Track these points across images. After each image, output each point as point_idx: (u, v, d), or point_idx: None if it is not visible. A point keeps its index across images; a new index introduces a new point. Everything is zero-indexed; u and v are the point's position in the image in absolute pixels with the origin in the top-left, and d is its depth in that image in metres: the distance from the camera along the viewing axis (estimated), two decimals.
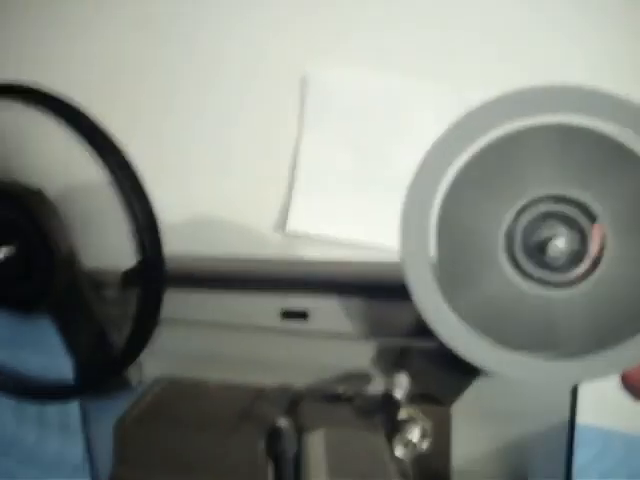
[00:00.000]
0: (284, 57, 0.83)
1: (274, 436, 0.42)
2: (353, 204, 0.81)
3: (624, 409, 0.54)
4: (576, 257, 0.36)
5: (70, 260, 0.47)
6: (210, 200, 0.88)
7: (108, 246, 0.49)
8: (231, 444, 0.43)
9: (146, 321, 0.45)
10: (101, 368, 0.48)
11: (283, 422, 0.41)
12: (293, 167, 0.86)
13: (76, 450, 0.80)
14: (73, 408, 0.74)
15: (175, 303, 0.48)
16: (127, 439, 0.46)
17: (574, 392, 0.44)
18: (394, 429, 0.42)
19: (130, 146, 0.82)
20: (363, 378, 0.46)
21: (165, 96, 0.87)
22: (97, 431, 0.53)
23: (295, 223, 0.87)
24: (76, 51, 0.88)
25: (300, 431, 0.42)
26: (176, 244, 0.84)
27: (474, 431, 0.45)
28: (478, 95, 0.35)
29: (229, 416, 0.45)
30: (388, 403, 0.40)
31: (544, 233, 0.36)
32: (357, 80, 0.82)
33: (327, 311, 0.47)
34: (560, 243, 0.35)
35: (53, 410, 0.83)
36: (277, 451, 0.42)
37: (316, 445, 0.42)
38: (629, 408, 0.44)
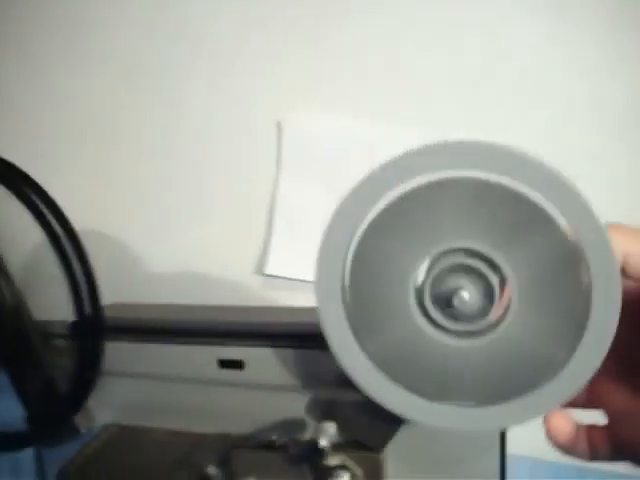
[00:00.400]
0: (260, 104, 0.85)
1: None
2: None
3: None
4: (483, 311, 0.37)
5: (18, 312, 0.49)
6: (190, 245, 0.90)
7: (56, 299, 0.51)
8: None
9: (88, 371, 0.47)
10: (49, 416, 0.50)
11: (213, 470, 0.42)
12: (271, 210, 0.87)
13: None
14: (26, 454, 0.76)
15: (119, 354, 0.50)
16: None
17: (502, 437, 0.44)
18: (322, 476, 0.43)
19: (107, 195, 0.85)
20: (296, 426, 0.47)
21: (143, 144, 0.89)
22: (52, 476, 0.54)
23: (274, 266, 0.89)
24: (51, 107, 0.90)
25: (232, 479, 0.43)
26: (158, 289, 0.86)
27: (407, 478, 0.46)
28: (445, 136, 0.37)
29: (167, 463, 0.46)
30: (315, 451, 0.41)
31: (452, 284, 0.37)
32: (331, 125, 0.84)
33: (262, 360, 0.48)
34: (466, 295, 0.36)
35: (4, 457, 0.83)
36: None
37: None
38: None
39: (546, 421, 0.40)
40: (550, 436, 0.41)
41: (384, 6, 0.78)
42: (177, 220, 0.89)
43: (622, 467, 0.68)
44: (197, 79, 0.86)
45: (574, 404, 0.40)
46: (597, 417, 0.41)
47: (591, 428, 0.41)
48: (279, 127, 0.85)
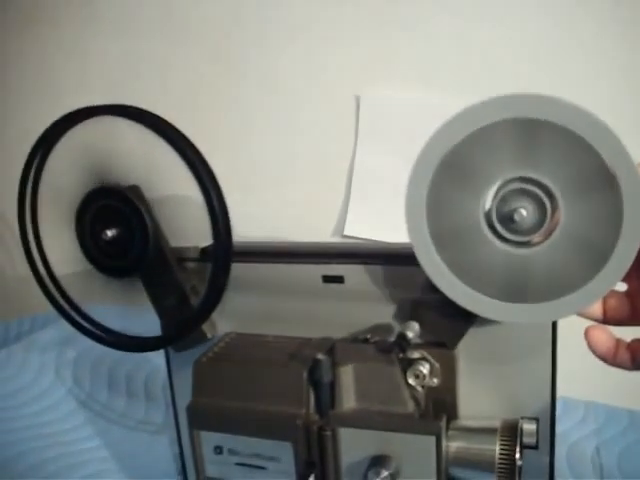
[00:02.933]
0: (340, 78, 0.93)
1: (314, 367, 0.54)
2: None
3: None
4: (538, 225, 0.47)
5: (160, 239, 0.60)
6: (274, 209, 0.99)
7: (190, 229, 0.62)
8: (282, 375, 0.55)
9: (216, 288, 0.57)
10: (182, 324, 0.61)
11: (321, 356, 0.53)
12: (349, 177, 0.95)
13: (159, 414, 0.93)
14: (158, 380, 0.88)
15: (241, 273, 0.60)
16: (202, 374, 0.59)
17: (554, 332, 0.54)
18: (407, 364, 0.54)
19: (217, 161, 0.95)
20: (387, 329, 0.57)
21: (235, 115, 0.98)
22: (179, 375, 0.66)
23: (352, 228, 0.97)
24: (159, 78, 1.01)
25: (335, 366, 0.54)
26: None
27: (476, 371, 0.56)
28: None
29: (281, 357, 0.57)
30: (402, 342, 0.52)
31: (513, 204, 0.47)
32: (405, 98, 0.92)
33: (360, 275, 0.58)
34: (524, 211, 0.47)
35: (139, 381, 0.96)
36: (317, 379, 0.54)
37: (347, 376, 0.54)
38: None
39: (587, 335, 0.49)
40: (591, 348, 0.49)
41: None
42: (262, 185, 0.99)
43: None
44: (283, 55, 0.94)
45: (620, 321, 0.49)
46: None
47: (633, 341, 0.49)
48: (357, 100, 0.92)
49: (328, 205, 0.97)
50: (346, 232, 0.96)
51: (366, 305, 0.57)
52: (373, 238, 0.93)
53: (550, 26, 0.82)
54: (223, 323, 0.63)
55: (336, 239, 0.97)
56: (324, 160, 0.96)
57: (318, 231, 0.98)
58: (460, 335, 0.53)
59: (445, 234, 0.48)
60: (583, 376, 0.82)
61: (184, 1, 0.98)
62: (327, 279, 0.59)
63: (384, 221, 0.88)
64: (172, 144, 0.52)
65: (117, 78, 1.03)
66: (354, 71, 0.91)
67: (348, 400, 0.54)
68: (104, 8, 1.02)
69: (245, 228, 0.97)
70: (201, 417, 0.57)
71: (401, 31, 0.88)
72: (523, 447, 0.55)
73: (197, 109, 0.99)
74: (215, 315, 0.61)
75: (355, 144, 0.94)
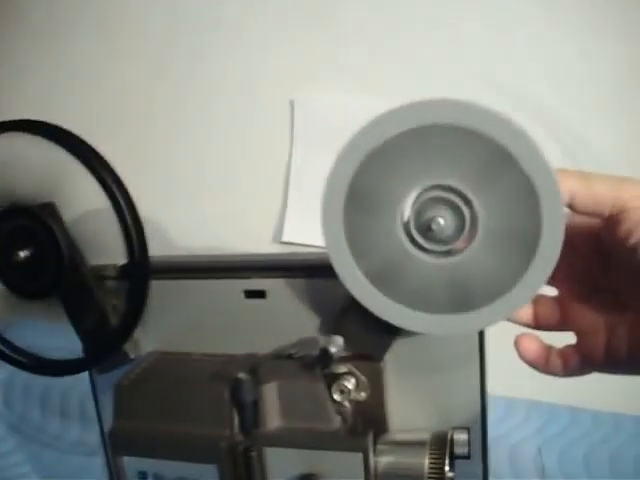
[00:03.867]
0: (274, 83, 0.91)
1: (236, 387, 0.52)
2: None
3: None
4: (456, 234, 0.46)
5: (76, 258, 0.58)
6: (213, 217, 0.97)
7: (109, 246, 0.60)
8: (204, 395, 0.54)
9: (135, 307, 0.55)
10: (103, 346, 0.59)
11: (243, 375, 0.52)
12: (286, 182, 0.94)
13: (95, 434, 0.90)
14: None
15: (162, 290, 0.59)
16: (123, 397, 0.56)
17: (481, 340, 0.53)
18: (332, 379, 0.53)
19: (142, 170, 0.92)
20: (310, 343, 0.56)
21: (171, 125, 0.96)
22: (105, 398, 0.64)
23: (290, 234, 0.96)
24: (80, 86, 0.98)
25: (258, 384, 0.53)
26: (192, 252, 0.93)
27: (404, 383, 0.55)
28: None
29: (204, 377, 0.55)
30: (325, 358, 0.51)
31: (431, 213, 0.46)
32: (339, 101, 0.90)
33: (282, 290, 0.57)
34: (442, 220, 0.45)
35: (75, 399, 0.93)
36: (239, 398, 0.52)
37: (270, 394, 0.53)
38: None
39: (516, 344, 0.49)
40: (521, 356, 0.49)
41: None
42: (200, 195, 0.96)
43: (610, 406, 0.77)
44: (215, 63, 0.92)
45: (550, 326, 0.49)
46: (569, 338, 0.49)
47: (564, 347, 0.49)
48: (292, 104, 0.91)
49: (266, 212, 0.95)
50: (285, 238, 0.95)
51: (290, 320, 0.56)
52: (313, 243, 0.92)
53: (484, 28, 0.82)
54: (147, 342, 0.61)
55: (275, 246, 0.95)
56: (261, 167, 0.94)
57: (258, 239, 0.96)
58: (386, 347, 0.52)
59: (364, 246, 0.47)
60: (526, 375, 0.82)
61: (110, 6, 0.95)
62: (249, 294, 0.57)
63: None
64: (75, 155, 0.50)
65: (43, 91, 1.00)
66: (287, 75, 0.90)
67: (273, 419, 0.52)
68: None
69: (184, 239, 0.96)
70: (123, 442, 0.55)
71: (334, 34, 0.87)
72: (455, 458, 0.54)
73: (128, 120, 0.97)
74: (138, 334, 0.59)
75: (291, 149, 0.92)
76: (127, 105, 0.96)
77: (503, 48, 0.82)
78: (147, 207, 0.90)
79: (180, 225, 0.96)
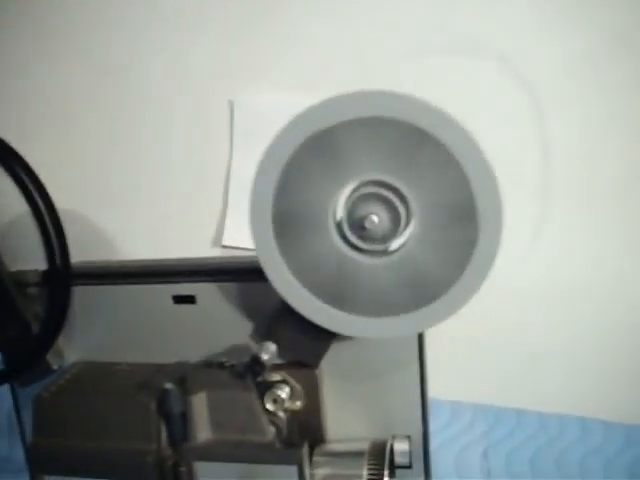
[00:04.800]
0: (212, 84, 0.88)
1: (163, 398, 0.49)
2: None
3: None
4: (391, 233, 0.44)
5: None
6: (151, 221, 0.93)
7: (30, 252, 0.56)
8: (129, 408, 0.50)
9: (55, 314, 0.53)
10: (24, 355, 0.55)
11: (169, 385, 0.49)
12: (226, 185, 0.91)
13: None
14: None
15: (86, 296, 0.56)
16: (43, 411, 0.53)
17: (420, 344, 0.51)
18: (265, 388, 0.50)
19: (86, 173, 0.88)
20: (242, 350, 0.53)
21: (107, 129, 0.93)
22: (28, 412, 0.60)
23: (230, 238, 0.93)
24: (9, 86, 0.94)
25: (186, 394, 0.50)
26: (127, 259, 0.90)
27: (342, 390, 0.53)
28: None
29: (129, 388, 0.52)
30: (256, 366, 0.48)
31: (365, 210, 0.44)
32: (280, 103, 0.87)
33: (211, 294, 0.54)
34: (375, 218, 0.43)
35: (3, 413, 0.88)
36: (166, 411, 0.49)
37: (200, 405, 0.50)
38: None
39: None
40: None
41: None
42: (138, 197, 0.92)
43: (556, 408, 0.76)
44: (152, 63, 0.88)
45: None
46: None
47: None
48: (231, 106, 0.88)
49: (206, 215, 0.92)
50: (225, 242, 0.92)
51: (220, 326, 0.54)
52: (252, 247, 0.89)
53: (428, 27, 0.80)
54: (71, 352, 0.58)
55: (216, 250, 0.92)
56: (199, 169, 0.91)
57: (197, 243, 0.92)
58: (322, 353, 0.50)
59: (295, 247, 0.44)
60: (471, 377, 0.81)
61: (43, 4, 0.92)
62: (178, 299, 0.55)
63: None
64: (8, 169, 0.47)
65: None
66: (226, 75, 0.87)
67: (203, 431, 0.49)
68: None
69: (120, 244, 0.92)
70: (43, 459, 0.52)
71: (274, 33, 0.84)
72: (396, 467, 0.51)
73: (59, 120, 0.93)
74: (62, 343, 0.57)
75: (231, 151, 0.89)
76: (57, 105, 0.92)
77: (448, 46, 0.80)
78: (79, 210, 0.87)
79: (115, 229, 0.92)
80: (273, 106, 0.88)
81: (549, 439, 0.81)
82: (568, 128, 0.74)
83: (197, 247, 0.91)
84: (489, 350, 0.81)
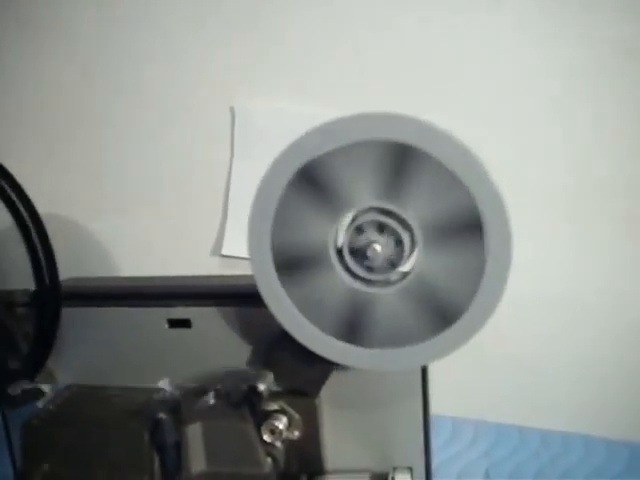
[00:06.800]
0: (214, 91, 0.87)
1: (156, 428, 0.47)
2: None
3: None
4: (395, 262, 0.42)
5: None
6: (149, 229, 0.92)
7: (17, 270, 0.55)
8: (121, 438, 0.49)
9: (45, 337, 0.51)
10: (13, 376, 0.53)
11: (163, 415, 0.47)
12: (226, 193, 0.89)
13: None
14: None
15: (79, 318, 0.54)
16: (33, 439, 0.51)
17: (424, 375, 0.49)
18: (262, 418, 0.48)
19: (67, 180, 0.87)
20: (239, 377, 0.51)
21: (102, 132, 0.91)
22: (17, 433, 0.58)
23: (230, 247, 0.92)
24: (19, 95, 0.92)
25: (180, 424, 0.48)
26: (117, 271, 0.89)
27: (341, 420, 0.51)
28: None
29: (122, 416, 0.50)
30: (253, 395, 0.46)
31: (367, 239, 0.42)
32: (281, 110, 0.87)
33: (208, 319, 0.52)
34: (378, 247, 0.41)
35: None
36: (159, 441, 0.47)
37: (194, 435, 0.48)
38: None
39: None
40: None
41: None
42: (136, 205, 0.91)
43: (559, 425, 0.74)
44: (152, 68, 0.87)
45: None
46: None
47: None
48: (232, 112, 0.87)
49: (205, 224, 0.91)
50: (224, 252, 0.91)
51: (216, 351, 0.52)
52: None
53: (434, 36, 0.79)
54: (62, 374, 0.56)
55: (215, 259, 0.91)
56: (199, 177, 0.90)
57: (196, 252, 0.91)
58: (321, 382, 0.48)
59: (296, 278, 0.43)
60: (472, 393, 0.80)
61: (40, 4, 0.90)
62: (173, 323, 0.53)
63: None
64: None
65: None
66: (227, 82, 0.86)
67: (197, 463, 0.48)
68: None
69: (116, 254, 0.91)
70: None
71: (275, 40, 0.84)
72: None
73: (54, 126, 0.91)
74: (53, 365, 0.55)
75: (231, 158, 0.88)
76: (54, 110, 0.90)
77: (452, 57, 0.78)
78: (73, 219, 0.85)
79: (112, 238, 0.91)
80: (274, 114, 0.87)
81: (552, 457, 0.79)
82: None
83: (195, 257, 0.90)
84: (490, 365, 0.79)
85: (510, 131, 0.76)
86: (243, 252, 0.87)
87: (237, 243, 0.91)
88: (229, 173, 0.88)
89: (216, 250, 0.91)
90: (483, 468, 0.81)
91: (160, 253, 0.91)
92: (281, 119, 0.87)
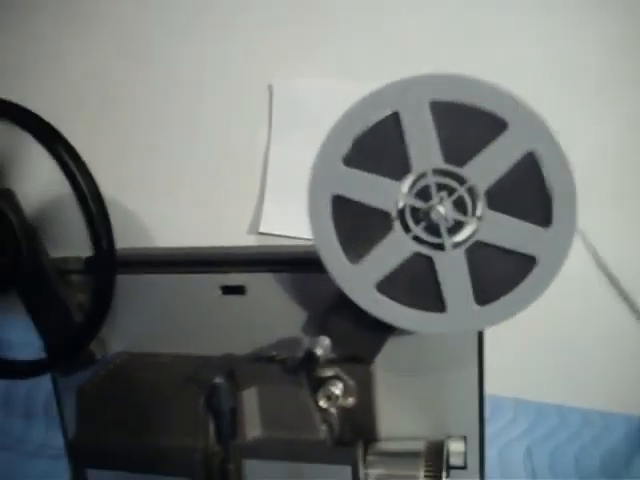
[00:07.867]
0: (252, 68, 0.86)
1: (212, 393, 0.47)
2: None
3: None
4: (459, 223, 0.41)
5: (35, 249, 0.52)
6: (189, 207, 0.92)
7: (73, 237, 0.55)
8: (176, 403, 0.49)
9: (101, 304, 0.51)
10: (66, 345, 0.53)
11: (219, 380, 0.47)
12: (264, 171, 0.89)
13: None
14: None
15: (131, 285, 0.54)
16: (87, 404, 0.51)
17: (480, 342, 0.49)
18: (318, 384, 0.48)
19: (123, 159, 0.87)
20: (294, 344, 0.51)
21: (146, 112, 0.91)
22: (70, 401, 0.58)
23: (267, 225, 0.91)
24: (61, 75, 0.92)
25: (236, 390, 0.48)
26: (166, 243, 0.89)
27: (396, 387, 0.51)
28: None
29: (176, 382, 0.50)
30: (310, 361, 0.46)
31: (429, 202, 0.41)
32: (318, 87, 0.86)
33: (262, 285, 0.52)
34: (441, 209, 0.41)
35: (40, 399, 0.87)
36: (215, 406, 0.47)
37: (250, 401, 0.48)
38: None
39: None
40: None
41: None
42: (175, 185, 0.91)
43: (599, 404, 0.74)
44: (191, 47, 0.87)
45: None
46: None
47: None
48: (270, 90, 0.87)
49: (243, 201, 0.91)
50: (262, 229, 0.90)
51: (271, 318, 0.52)
52: (290, 234, 0.88)
53: (469, 10, 0.78)
54: (114, 342, 0.56)
55: (252, 237, 0.90)
56: (238, 155, 0.90)
57: (234, 229, 0.91)
58: (377, 348, 0.48)
59: (355, 238, 0.42)
60: (512, 372, 0.79)
61: None
62: (227, 290, 0.53)
63: (302, 216, 0.84)
64: (34, 136, 0.45)
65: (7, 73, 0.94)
66: (266, 59, 0.86)
67: (252, 428, 0.48)
68: None
69: (156, 230, 0.91)
70: (87, 453, 0.50)
71: (314, 17, 0.83)
72: (450, 468, 0.49)
73: (98, 105, 0.92)
74: (105, 333, 0.55)
75: (269, 136, 0.88)
76: (100, 90, 0.91)
77: (484, 30, 0.78)
78: (118, 196, 0.85)
79: (152, 215, 0.91)
80: (313, 91, 0.86)
81: (593, 437, 0.79)
82: None
83: (233, 234, 0.90)
84: (531, 344, 0.78)
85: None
86: (281, 229, 0.88)
87: (275, 220, 0.90)
88: (267, 149, 0.88)
89: (253, 228, 0.90)
90: (524, 446, 0.79)
91: (196, 232, 0.90)
92: (321, 95, 0.86)
